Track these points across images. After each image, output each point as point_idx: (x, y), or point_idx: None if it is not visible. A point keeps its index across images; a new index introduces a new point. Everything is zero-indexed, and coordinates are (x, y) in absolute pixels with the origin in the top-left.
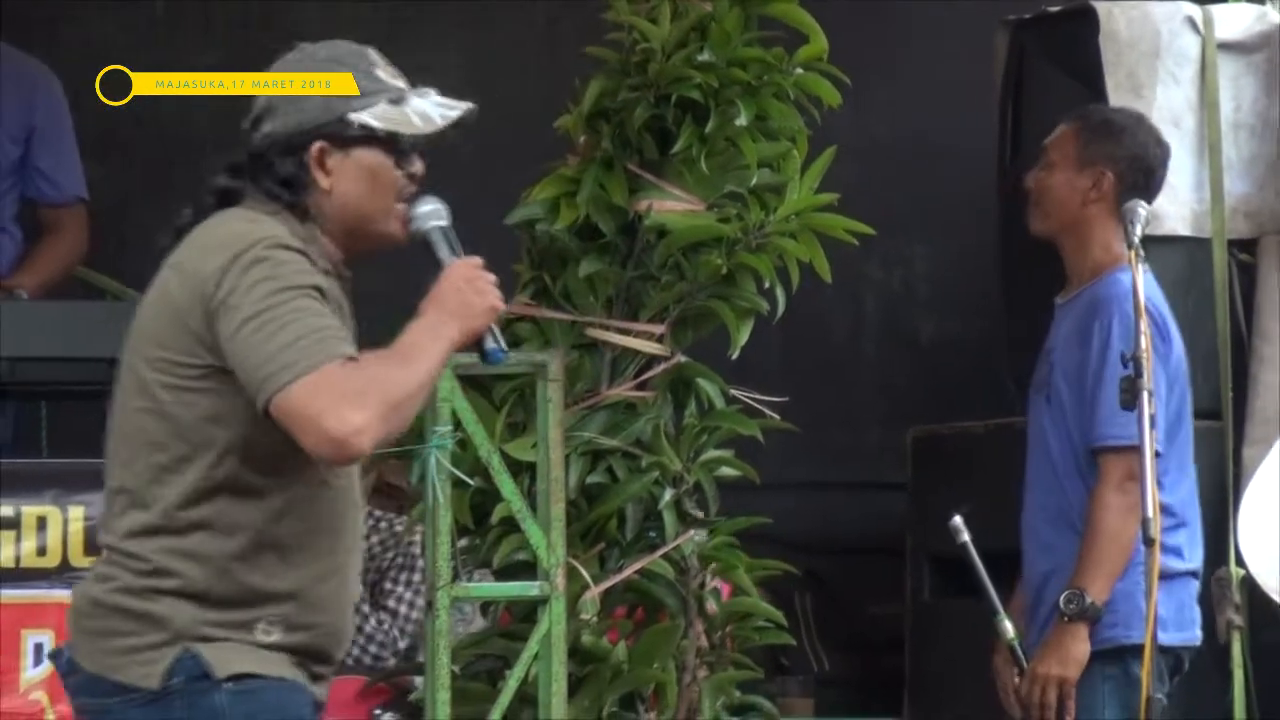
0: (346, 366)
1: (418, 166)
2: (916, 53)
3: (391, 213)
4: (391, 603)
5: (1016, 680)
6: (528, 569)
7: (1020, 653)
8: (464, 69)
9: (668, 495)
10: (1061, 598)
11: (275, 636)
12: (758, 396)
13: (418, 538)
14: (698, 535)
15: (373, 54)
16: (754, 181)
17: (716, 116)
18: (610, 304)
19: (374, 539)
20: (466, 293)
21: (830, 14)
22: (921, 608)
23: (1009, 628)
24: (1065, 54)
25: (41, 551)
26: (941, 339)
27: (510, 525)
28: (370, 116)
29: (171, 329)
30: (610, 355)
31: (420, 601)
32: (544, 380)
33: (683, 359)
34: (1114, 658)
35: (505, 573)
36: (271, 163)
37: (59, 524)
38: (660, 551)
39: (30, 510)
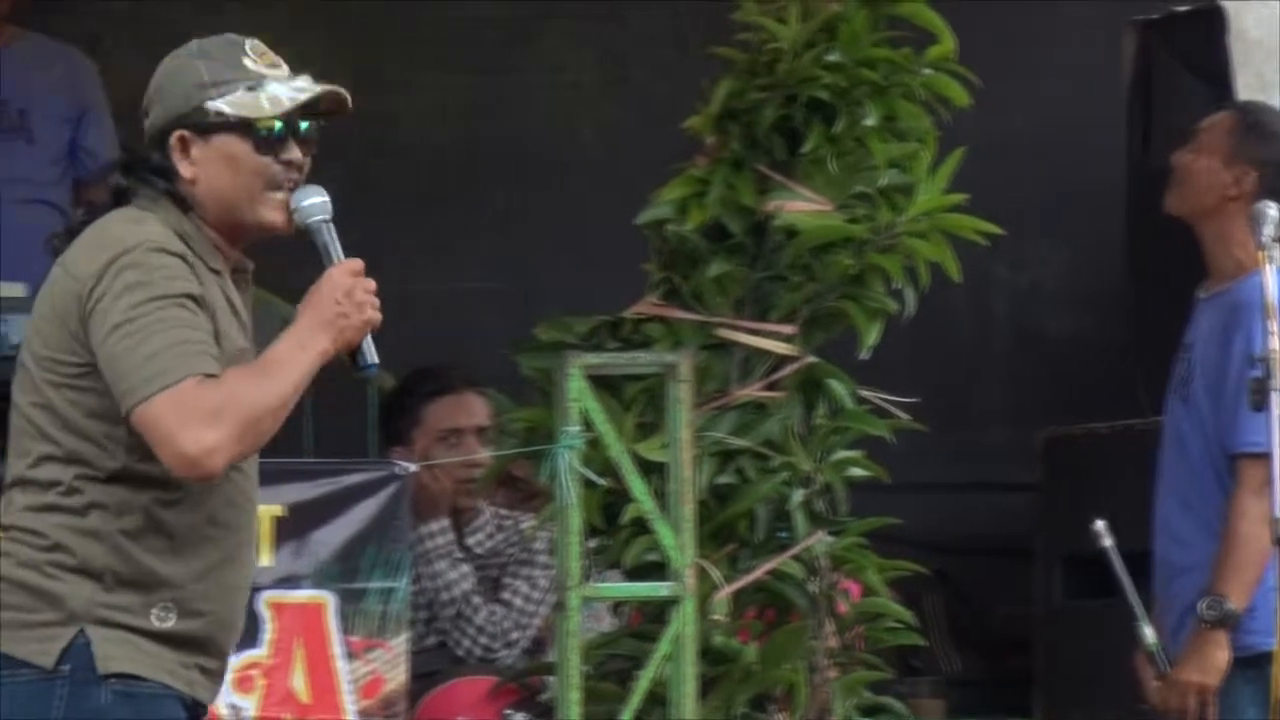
0: (205, 384)
1: (293, 153)
2: (1045, 52)
3: (262, 200)
4: (507, 595)
5: (1156, 684)
6: (658, 569)
7: (1161, 659)
8: (594, 69)
9: (798, 496)
10: (1202, 605)
11: (170, 623)
12: (887, 397)
13: (542, 534)
14: (828, 536)
15: (249, 44)
16: (883, 182)
17: (845, 117)
18: (740, 304)
19: (499, 536)
20: (345, 305)
21: (958, 13)
22: (1051, 609)
23: (1150, 633)
24: (1193, 54)
25: None
26: (1070, 339)
27: (641, 525)
28: (224, 104)
29: (53, 327)
30: (740, 356)
31: (538, 596)
32: (674, 380)
33: (812, 359)
34: (1255, 663)
35: (636, 573)
36: (147, 156)
37: None
38: (790, 552)
39: None
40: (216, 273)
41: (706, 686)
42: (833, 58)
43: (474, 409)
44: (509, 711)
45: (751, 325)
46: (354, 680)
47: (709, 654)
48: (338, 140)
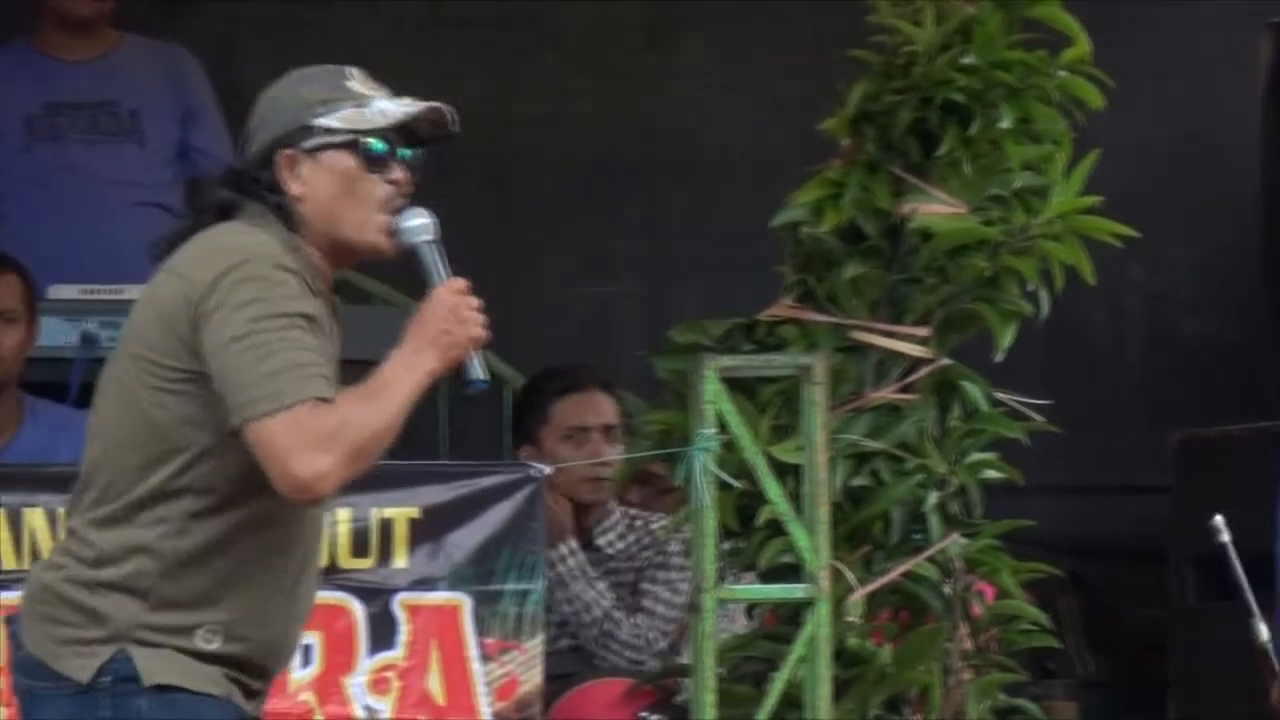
0: (320, 408)
1: (398, 174)
2: (1180, 54)
3: (372, 222)
4: (649, 603)
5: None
6: (793, 571)
7: (1275, 657)
8: (729, 71)
9: (932, 498)
10: None
11: (215, 645)
12: (1022, 399)
13: (675, 535)
14: (962, 538)
15: (351, 70)
16: (1017, 184)
17: (980, 119)
18: (875, 307)
19: (630, 538)
20: (449, 321)
21: (1093, 15)
22: (1185, 611)
23: (1264, 630)
24: None
25: None
26: (1204, 341)
27: (776, 528)
28: (334, 119)
29: (158, 331)
30: (875, 358)
31: (679, 600)
32: (809, 383)
33: (947, 361)
34: None
35: (770, 575)
36: (257, 177)
37: (326, 525)
38: (925, 554)
39: None
40: (318, 294)
41: (841, 688)
42: (968, 60)
43: (601, 407)
44: (644, 714)
45: (886, 327)
46: (489, 682)
47: (843, 656)
48: (477, 144)
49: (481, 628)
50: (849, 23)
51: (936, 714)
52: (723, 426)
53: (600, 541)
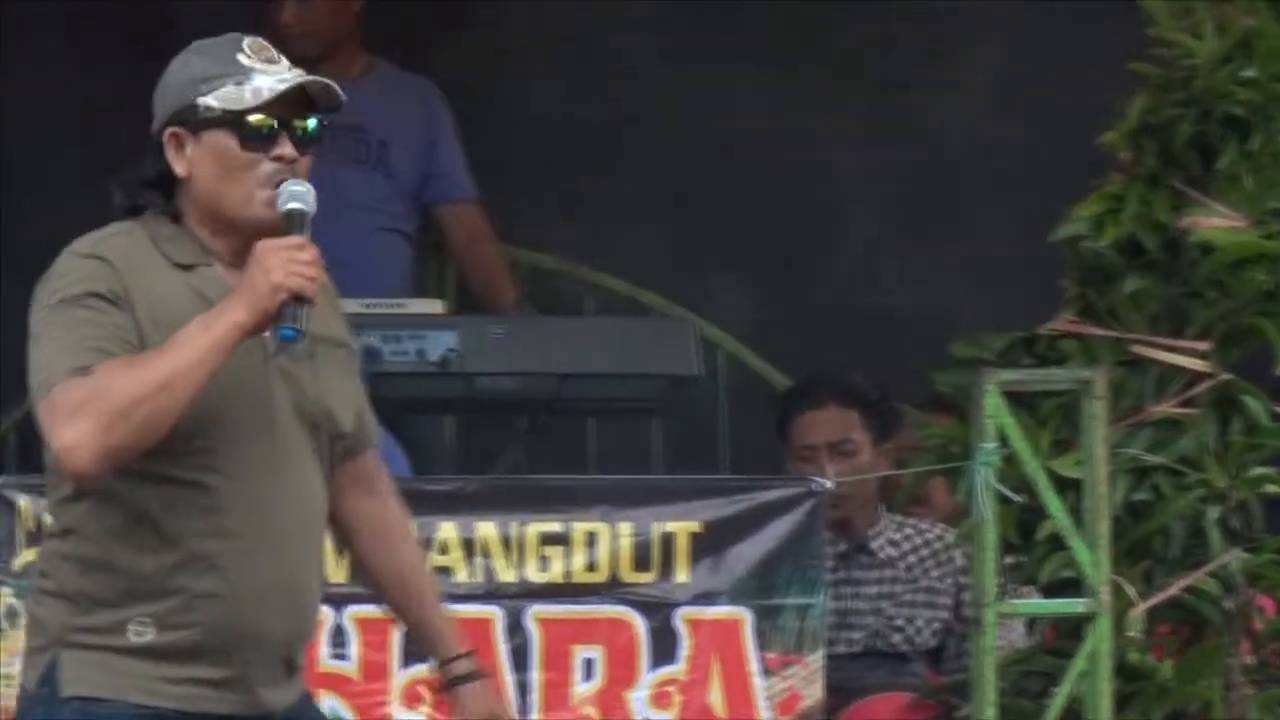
0: (71, 381)
1: (285, 149)
2: None
3: (253, 198)
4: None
5: None
6: (1073, 586)
7: None
8: (1001, 84)
9: (1213, 512)
10: None
11: (149, 638)
12: None
13: (939, 550)
14: (1243, 552)
15: (247, 40)
16: None
17: (1260, 132)
18: (1155, 321)
19: (904, 545)
20: (254, 273)
21: None
22: None
23: None
24: None
25: (591, 567)
26: None
27: (1056, 542)
28: (213, 99)
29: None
30: (1155, 372)
31: (937, 624)
32: (1089, 397)
33: (1227, 376)
34: None
35: (1051, 589)
36: (140, 166)
37: (608, 539)
38: (1206, 569)
39: (580, 526)
40: (185, 268)
41: (1122, 703)
42: (1248, 73)
43: (830, 424)
44: None
45: (1167, 342)
46: (770, 697)
47: (1124, 671)
48: (748, 156)
49: (763, 642)
50: (1127, 36)
51: None
52: (1003, 441)
53: (873, 545)
